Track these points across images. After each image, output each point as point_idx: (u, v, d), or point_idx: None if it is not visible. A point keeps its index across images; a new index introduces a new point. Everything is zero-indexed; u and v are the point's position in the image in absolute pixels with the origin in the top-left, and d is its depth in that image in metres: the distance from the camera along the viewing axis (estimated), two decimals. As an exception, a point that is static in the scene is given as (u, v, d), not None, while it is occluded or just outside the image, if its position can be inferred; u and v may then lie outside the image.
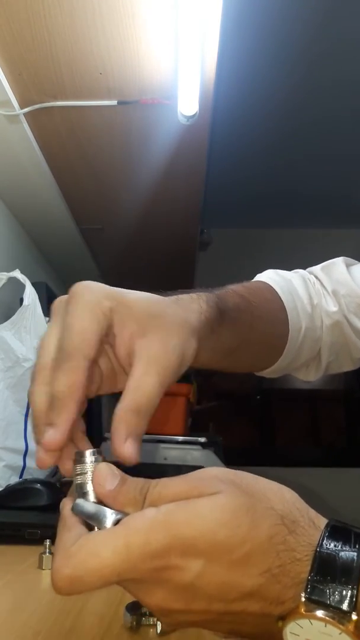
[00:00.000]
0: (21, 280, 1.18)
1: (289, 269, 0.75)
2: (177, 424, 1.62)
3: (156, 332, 0.42)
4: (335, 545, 0.32)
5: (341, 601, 0.31)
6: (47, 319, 1.19)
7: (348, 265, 0.73)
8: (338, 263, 0.73)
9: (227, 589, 0.32)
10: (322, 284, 0.72)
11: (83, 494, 0.34)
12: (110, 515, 0.33)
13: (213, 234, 3.38)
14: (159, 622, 0.40)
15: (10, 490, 0.87)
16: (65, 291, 0.42)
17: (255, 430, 3.69)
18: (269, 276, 0.71)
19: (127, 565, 0.31)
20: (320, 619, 0.31)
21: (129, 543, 0.31)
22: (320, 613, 0.31)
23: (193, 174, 1.57)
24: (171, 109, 1.21)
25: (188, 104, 1.18)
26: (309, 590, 0.31)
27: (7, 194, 1.59)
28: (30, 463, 1.10)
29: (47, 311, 1.23)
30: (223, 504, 0.33)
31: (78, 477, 0.35)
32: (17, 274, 1.19)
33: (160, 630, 0.40)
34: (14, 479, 1.08)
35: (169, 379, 0.41)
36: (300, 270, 0.75)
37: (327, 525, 0.34)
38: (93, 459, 0.35)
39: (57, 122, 1.28)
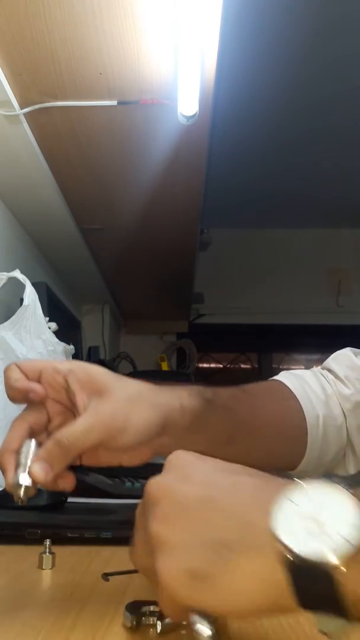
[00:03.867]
0: (21, 280, 1.18)
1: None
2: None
3: (111, 400, 0.50)
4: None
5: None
6: (47, 318, 1.19)
7: (356, 354, 0.75)
8: (345, 352, 0.75)
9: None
10: (334, 372, 0.73)
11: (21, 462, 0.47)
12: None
13: (213, 234, 3.38)
14: (159, 622, 0.40)
15: (10, 490, 0.87)
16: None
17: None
18: (279, 375, 0.73)
19: None
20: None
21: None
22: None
23: (193, 174, 1.57)
24: (171, 109, 1.21)
25: (188, 104, 1.18)
26: None
27: (7, 194, 1.59)
28: (30, 463, 1.10)
29: (47, 311, 1.23)
30: None
31: (22, 453, 0.47)
32: (17, 274, 1.19)
33: (160, 630, 0.40)
34: (14, 479, 1.08)
35: (101, 434, 0.47)
36: (313, 369, 0.77)
37: None
38: (32, 443, 0.48)
39: (57, 122, 1.28)
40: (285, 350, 3.95)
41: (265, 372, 3.90)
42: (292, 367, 3.93)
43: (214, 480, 0.36)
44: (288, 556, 0.30)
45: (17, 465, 0.47)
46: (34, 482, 0.46)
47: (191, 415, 0.55)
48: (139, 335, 3.44)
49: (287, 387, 0.69)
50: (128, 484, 1.20)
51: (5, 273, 1.20)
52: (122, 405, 0.50)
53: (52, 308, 1.52)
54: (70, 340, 1.24)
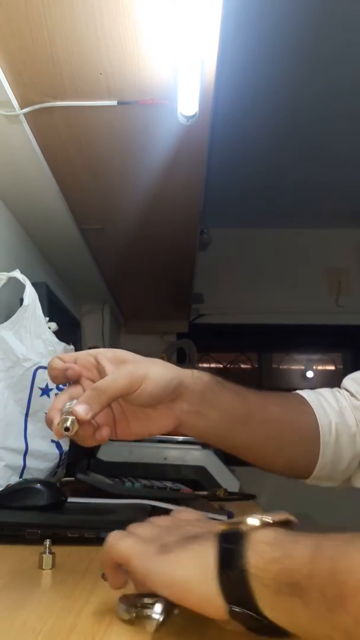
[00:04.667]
0: (21, 280, 1.18)
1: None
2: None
3: (132, 363, 0.62)
4: None
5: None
6: (47, 318, 1.19)
7: None
8: (358, 374, 0.77)
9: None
10: (348, 390, 0.76)
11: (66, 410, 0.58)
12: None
13: (213, 234, 3.38)
14: (154, 613, 0.40)
15: (10, 490, 0.88)
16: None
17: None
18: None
19: None
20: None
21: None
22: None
23: (193, 174, 1.57)
24: (171, 109, 1.21)
25: (188, 104, 1.18)
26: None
27: (7, 194, 1.59)
28: (30, 463, 1.10)
29: (47, 311, 1.23)
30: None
31: (66, 406, 0.59)
32: (17, 274, 1.19)
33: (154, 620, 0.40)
34: (14, 479, 1.08)
35: (126, 381, 0.59)
36: (332, 388, 0.80)
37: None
38: (74, 401, 0.58)
39: (57, 122, 1.28)
40: (285, 350, 3.95)
41: (265, 372, 3.90)
42: (292, 367, 3.94)
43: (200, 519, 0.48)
44: (220, 527, 0.40)
45: (62, 414, 0.58)
46: (77, 419, 0.56)
47: (203, 384, 0.64)
48: (139, 335, 3.44)
49: (301, 395, 0.72)
50: (128, 484, 1.20)
51: (5, 273, 1.20)
52: (141, 364, 0.62)
53: (52, 308, 1.52)
54: (70, 340, 1.24)
